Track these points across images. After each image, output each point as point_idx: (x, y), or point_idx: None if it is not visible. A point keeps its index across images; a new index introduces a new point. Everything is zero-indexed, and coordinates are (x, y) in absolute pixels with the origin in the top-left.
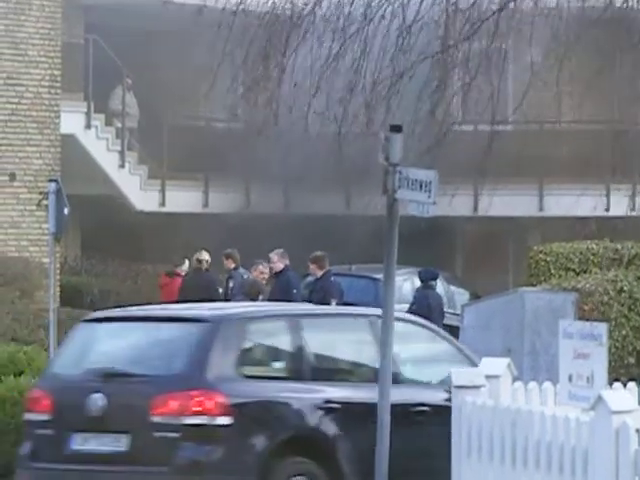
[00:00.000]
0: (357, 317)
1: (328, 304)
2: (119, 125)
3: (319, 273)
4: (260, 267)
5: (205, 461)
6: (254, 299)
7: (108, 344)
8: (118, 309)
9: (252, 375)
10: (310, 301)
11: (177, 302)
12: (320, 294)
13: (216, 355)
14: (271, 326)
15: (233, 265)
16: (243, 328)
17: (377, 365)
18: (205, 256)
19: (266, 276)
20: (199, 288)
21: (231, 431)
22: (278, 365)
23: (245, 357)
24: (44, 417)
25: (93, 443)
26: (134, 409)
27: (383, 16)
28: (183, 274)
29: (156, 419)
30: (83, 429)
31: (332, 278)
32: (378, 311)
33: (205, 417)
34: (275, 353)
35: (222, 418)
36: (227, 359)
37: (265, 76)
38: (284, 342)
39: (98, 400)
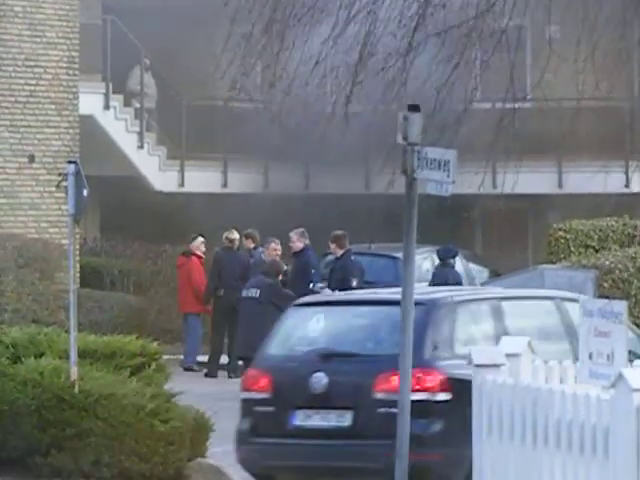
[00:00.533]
0: (544, 299)
1: (349, 283)
2: (137, 105)
3: (339, 252)
4: (272, 245)
5: (426, 435)
6: (273, 279)
7: (321, 327)
8: (326, 295)
9: (464, 354)
10: (330, 280)
11: (211, 281)
12: (340, 273)
13: (432, 335)
14: (477, 308)
15: (253, 245)
16: (455, 310)
17: (567, 344)
18: (236, 235)
19: (279, 253)
20: (233, 267)
21: (449, 407)
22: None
23: (456, 337)
24: (264, 395)
25: (316, 419)
26: (357, 386)
27: None
28: (199, 253)
29: (379, 396)
30: (305, 406)
31: (352, 257)
32: (562, 294)
33: (426, 393)
34: (482, 333)
35: (441, 394)
36: (442, 339)
37: (276, 53)
38: (489, 323)
39: (321, 379)
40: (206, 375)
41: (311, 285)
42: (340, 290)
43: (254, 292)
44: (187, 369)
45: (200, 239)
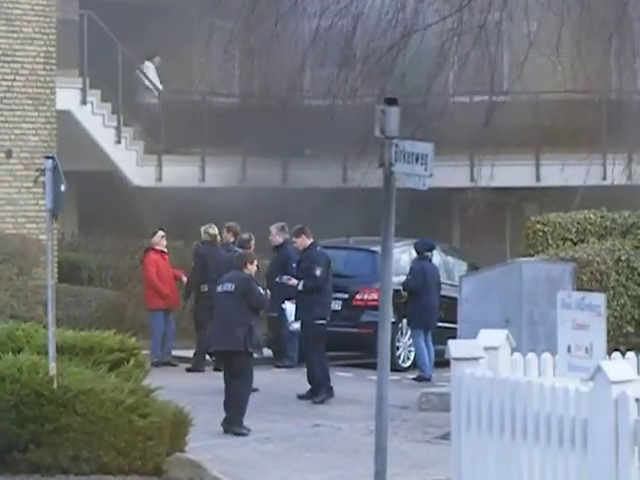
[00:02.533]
0: None
1: (312, 272)
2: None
3: (307, 243)
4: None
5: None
6: (242, 270)
7: None
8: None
9: None
10: (297, 272)
11: (194, 276)
12: (306, 263)
13: None
14: None
15: (232, 239)
16: None
17: None
18: (216, 230)
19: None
20: (217, 262)
21: None
22: None
23: None
24: None
25: None
26: None
27: None
28: (159, 247)
29: None
30: None
31: (318, 248)
32: None
33: None
34: None
35: None
36: None
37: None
38: None
39: None
40: (189, 370)
41: (277, 278)
42: (304, 280)
43: (229, 286)
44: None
45: (160, 233)
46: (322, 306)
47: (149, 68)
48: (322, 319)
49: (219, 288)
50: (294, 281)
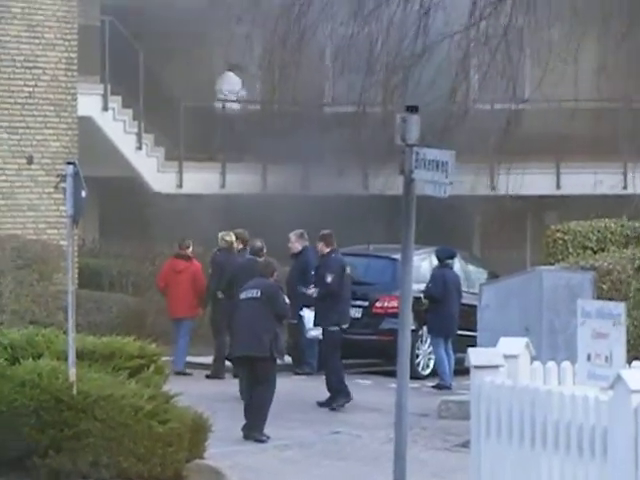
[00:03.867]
0: None
1: (324, 279)
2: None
3: (326, 250)
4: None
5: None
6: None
7: None
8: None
9: None
10: (315, 278)
11: (213, 283)
12: (321, 270)
13: None
14: None
15: (242, 246)
16: None
17: None
18: (233, 237)
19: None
20: (244, 270)
21: None
22: None
23: None
24: None
25: None
26: None
27: None
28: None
29: None
30: None
31: (334, 255)
32: None
33: None
34: None
35: None
36: None
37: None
38: None
39: None
40: (209, 377)
41: (298, 288)
42: (316, 286)
43: (255, 292)
44: (179, 373)
45: (190, 242)
46: (337, 313)
47: (229, 77)
48: (336, 325)
49: (243, 295)
50: (312, 290)
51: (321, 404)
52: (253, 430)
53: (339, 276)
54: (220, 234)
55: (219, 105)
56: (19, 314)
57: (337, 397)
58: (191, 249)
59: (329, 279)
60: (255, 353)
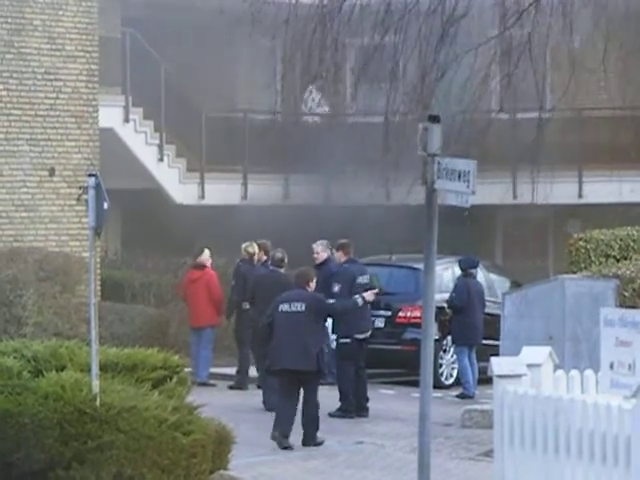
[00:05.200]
0: None
1: (331, 289)
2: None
3: (342, 260)
4: (278, 254)
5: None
6: (305, 289)
7: None
8: None
9: None
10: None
11: (236, 294)
12: (331, 280)
13: None
14: None
15: (265, 257)
16: None
17: None
18: (256, 248)
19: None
20: (265, 281)
21: None
22: None
23: None
24: None
25: None
26: None
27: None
28: (209, 264)
29: None
30: None
31: (346, 264)
32: None
33: None
34: None
35: None
36: None
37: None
38: None
39: None
40: (232, 387)
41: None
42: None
43: (299, 306)
44: (202, 384)
45: (207, 251)
46: (346, 324)
47: (312, 91)
48: (347, 337)
49: (284, 307)
50: (370, 296)
51: (332, 415)
52: (311, 439)
53: (348, 286)
54: (243, 245)
55: (241, 115)
56: (42, 326)
57: (341, 406)
58: (207, 258)
59: (336, 289)
60: (304, 367)
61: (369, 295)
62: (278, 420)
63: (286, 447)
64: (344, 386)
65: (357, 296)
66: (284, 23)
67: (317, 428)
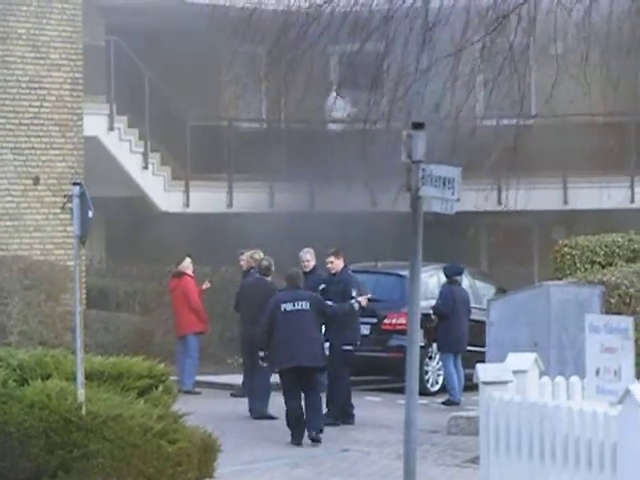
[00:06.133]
0: None
1: (349, 294)
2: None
3: (341, 266)
4: (246, 257)
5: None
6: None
7: None
8: None
9: None
10: (329, 295)
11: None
12: (340, 286)
13: None
14: None
15: (252, 264)
16: None
17: None
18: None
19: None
20: (252, 289)
21: None
22: None
23: None
24: None
25: None
26: None
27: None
28: (189, 272)
29: None
30: None
31: (349, 270)
32: None
33: None
34: None
35: None
36: None
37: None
38: None
39: None
40: (234, 395)
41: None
42: (342, 302)
43: (304, 304)
44: (187, 392)
45: (188, 259)
46: (352, 330)
47: (336, 98)
48: (350, 344)
49: (287, 306)
50: (364, 299)
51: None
52: (321, 431)
53: (359, 291)
54: (249, 253)
55: (226, 123)
56: (27, 335)
57: (339, 414)
58: (187, 266)
59: (354, 293)
60: (316, 364)
61: (364, 300)
62: (290, 420)
63: (317, 440)
64: (338, 393)
65: (353, 301)
66: (268, 31)
67: (320, 420)
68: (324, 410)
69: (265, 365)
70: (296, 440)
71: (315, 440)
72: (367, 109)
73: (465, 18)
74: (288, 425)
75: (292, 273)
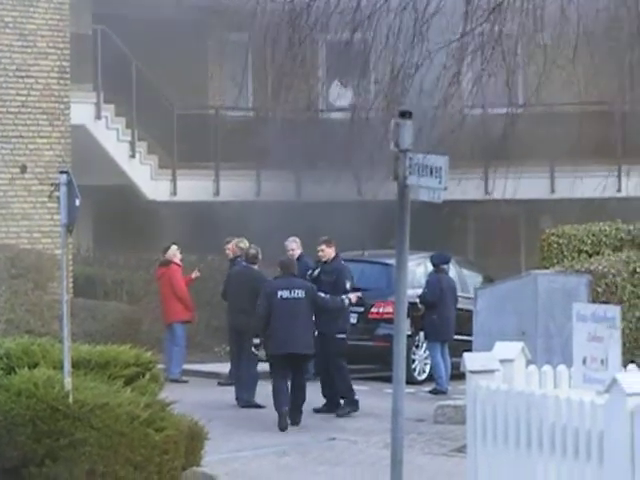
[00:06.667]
0: None
1: (344, 286)
2: None
3: (331, 256)
4: (232, 245)
5: None
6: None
7: None
8: None
9: None
10: (320, 284)
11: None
12: (333, 276)
13: None
14: None
15: (239, 253)
16: None
17: None
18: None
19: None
20: (239, 278)
21: None
22: None
23: None
24: None
25: None
26: None
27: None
28: (176, 260)
29: None
30: None
31: (342, 260)
32: None
33: None
34: None
35: None
36: None
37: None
38: None
39: None
40: (221, 384)
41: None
42: (333, 293)
43: (300, 293)
44: (175, 380)
45: (174, 247)
46: (344, 319)
47: (337, 87)
48: (343, 332)
49: (284, 293)
50: (354, 296)
51: (317, 410)
52: (300, 415)
53: (352, 283)
54: (235, 240)
55: (212, 112)
56: (14, 323)
57: (345, 404)
58: (174, 254)
59: (348, 286)
60: (308, 352)
61: (354, 297)
62: (280, 401)
63: (297, 422)
64: (345, 383)
65: (344, 296)
66: (254, 18)
67: (302, 404)
68: (340, 402)
69: (258, 352)
70: (281, 425)
71: (295, 423)
72: (355, 98)
73: (457, 9)
74: (276, 408)
75: (286, 260)
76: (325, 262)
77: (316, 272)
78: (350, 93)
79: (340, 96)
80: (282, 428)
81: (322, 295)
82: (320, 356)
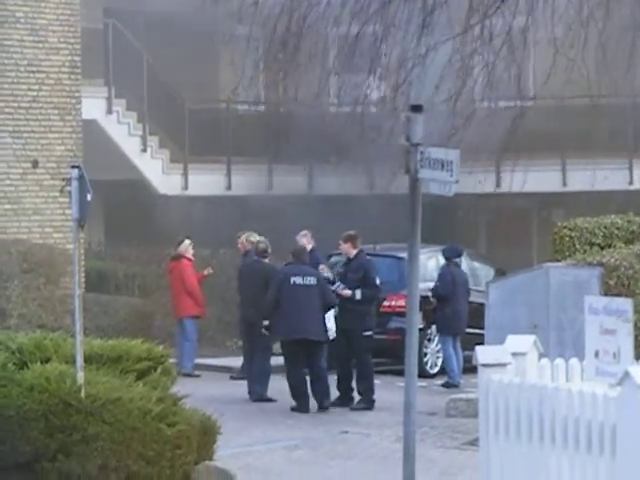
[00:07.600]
0: None
1: (374, 282)
2: None
3: (353, 252)
4: (242, 240)
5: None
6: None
7: None
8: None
9: None
10: (345, 280)
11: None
12: (359, 273)
13: None
14: None
15: (250, 247)
16: None
17: None
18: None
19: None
20: (249, 271)
21: None
22: None
23: None
24: None
25: None
26: None
27: None
28: (188, 255)
29: None
30: None
31: (368, 257)
32: None
33: None
34: None
35: None
36: None
37: (285, 58)
38: None
39: None
40: (233, 378)
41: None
42: (362, 289)
43: (312, 280)
44: (187, 375)
45: (187, 241)
46: (371, 317)
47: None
48: (370, 330)
49: (297, 280)
50: (348, 292)
51: (331, 404)
52: (326, 401)
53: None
54: (244, 235)
55: (224, 106)
56: (26, 318)
57: (362, 399)
58: (186, 249)
59: (378, 281)
60: (321, 338)
61: (358, 293)
62: (296, 387)
63: (326, 407)
64: (367, 381)
65: (358, 291)
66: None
67: (328, 389)
68: (356, 397)
69: (267, 333)
70: (302, 409)
71: (323, 408)
72: (364, 91)
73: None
74: (292, 396)
75: (299, 249)
76: (349, 259)
77: (341, 269)
78: (361, 86)
79: (351, 89)
80: (302, 412)
81: (330, 289)
82: (342, 352)
